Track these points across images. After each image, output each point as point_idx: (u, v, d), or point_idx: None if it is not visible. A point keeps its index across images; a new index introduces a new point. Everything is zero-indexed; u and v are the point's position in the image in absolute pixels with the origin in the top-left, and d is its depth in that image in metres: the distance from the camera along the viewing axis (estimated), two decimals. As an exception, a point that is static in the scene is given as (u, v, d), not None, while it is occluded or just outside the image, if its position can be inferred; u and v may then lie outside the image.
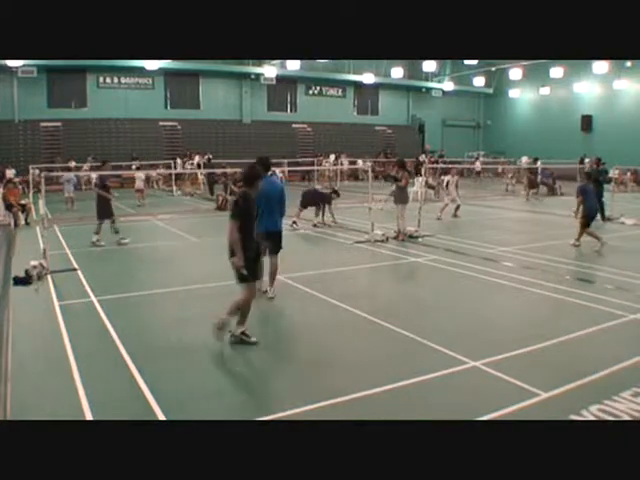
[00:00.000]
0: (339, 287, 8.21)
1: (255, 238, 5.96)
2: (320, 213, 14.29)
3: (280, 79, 34.75)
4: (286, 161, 29.48)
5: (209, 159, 28.64)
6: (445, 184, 17.14)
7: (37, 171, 19.87)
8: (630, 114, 32.86)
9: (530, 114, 40.31)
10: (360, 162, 33.01)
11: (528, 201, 21.29)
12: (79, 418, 4.17)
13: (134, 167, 26.17)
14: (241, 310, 5.79)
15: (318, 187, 20.86)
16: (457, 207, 16.47)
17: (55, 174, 20.26)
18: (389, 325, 6.45)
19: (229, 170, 19.39)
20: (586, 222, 11.54)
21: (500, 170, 32.16)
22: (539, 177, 25.05)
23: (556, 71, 33.18)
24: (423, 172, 18.66)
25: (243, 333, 5.82)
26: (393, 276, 9.58)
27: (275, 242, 7.38)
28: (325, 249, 11.89)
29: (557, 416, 4.18)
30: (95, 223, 12.16)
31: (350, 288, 8.27)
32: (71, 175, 20.24)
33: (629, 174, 26.83)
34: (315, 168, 27.69)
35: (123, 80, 32.01)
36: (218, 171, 21.10)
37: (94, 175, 26.55)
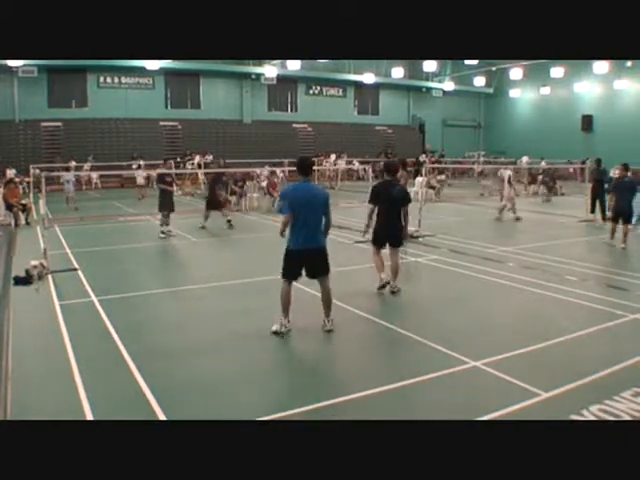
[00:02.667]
0: (339, 287, 8.17)
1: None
2: None
3: (280, 79, 34.75)
4: (287, 161, 29.50)
5: (219, 159, 28.24)
6: (507, 180, 15.65)
7: (38, 171, 19.92)
8: (631, 114, 32.85)
9: (530, 114, 40.30)
10: (356, 163, 33.00)
11: (548, 202, 20.89)
12: (79, 418, 4.18)
13: (134, 167, 26.20)
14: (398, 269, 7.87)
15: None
16: (503, 208, 15.67)
17: (56, 174, 20.31)
18: (389, 325, 6.45)
19: (230, 170, 19.40)
20: (614, 218, 11.79)
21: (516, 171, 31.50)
22: (540, 177, 25.04)
23: (556, 71, 33.18)
24: (423, 172, 18.65)
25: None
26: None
27: (320, 262, 6.16)
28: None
29: (557, 416, 4.18)
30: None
31: (350, 287, 8.27)
32: (70, 175, 20.38)
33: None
34: (315, 168, 27.68)
35: (123, 80, 32.00)
36: (221, 171, 21.08)
37: (94, 175, 26.86)
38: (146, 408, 4.39)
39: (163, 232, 12.82)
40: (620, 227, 11.56)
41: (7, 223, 14.61)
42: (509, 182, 15.58)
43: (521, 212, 18.55)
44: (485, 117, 44.72)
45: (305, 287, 7.33)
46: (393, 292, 7.76)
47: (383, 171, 8.32)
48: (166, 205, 13.03)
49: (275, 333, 6.07)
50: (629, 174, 12.30)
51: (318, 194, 6.17)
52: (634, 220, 12.13)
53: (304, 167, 6.21)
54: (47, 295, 7.84)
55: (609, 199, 12.13)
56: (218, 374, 5.24)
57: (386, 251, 8.02)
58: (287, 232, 6.08)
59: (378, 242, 7.93)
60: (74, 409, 4.35)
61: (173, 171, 14.44)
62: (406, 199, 7.81)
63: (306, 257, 6.05)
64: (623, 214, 11.51)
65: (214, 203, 14.10)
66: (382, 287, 7.81)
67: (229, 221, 14.22)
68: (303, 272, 6.15)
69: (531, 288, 8.13)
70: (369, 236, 8.20)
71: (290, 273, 6.10)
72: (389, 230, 7.78)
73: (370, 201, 7.80)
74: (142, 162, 26.91)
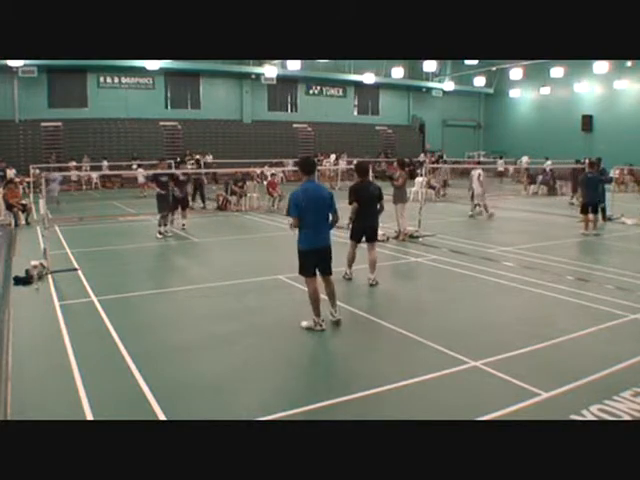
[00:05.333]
0: (339, 287, 8.19)
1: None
2: None
3: (281, 79, 34.71)
4: (286, 161, 29.51)
5: (197, 160, 26.58)
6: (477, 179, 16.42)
7: (38, 171, 19.92)
8: (630, 114, 32.83)
9: (530, 114, 40.28)
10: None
11: (573, 205, 19.53)
12: (79, 418, 4.18)
13: (134, 166, 26.22)
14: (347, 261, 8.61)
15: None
16: (476, 206, 16.52)
17: (56, 174, 20.27)
18: (389, 325, 6.45)
19: (223, 170, 19.38)
20: (583, 209, 13.24)
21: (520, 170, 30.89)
22: (540, 177, 25.03)
23: (556, 71, 33.14)
24: (423, 172, 18.63)
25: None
26: (393, 276, 9.59)
27: (328, 260, 6.43)
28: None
29: (557, 416, 4.18)
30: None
31: (350, 288, 8.27)
32: (56, 175, 20.31)
33: (624, 171, 26.34)
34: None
35: (124, 80, 31.97)
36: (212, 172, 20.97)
37: (94, 175, 26.87)
38: (146, 408, 4.38)
39: (160, 232, 12.81)
40: (591, 217, 13.08)
41: (7, 223, 14.63)
42: (479, 180, 16.41)
43: (521, 212, 18.64)
44: (485, 117, 44.68)
45: (304, 286, 7.31)
46: (372, 285, 8.31)
47: (356, 172, 8.82)
48: (161, 206, 12.99)
49: (308, 328, 6.27)
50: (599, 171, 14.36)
51: (325, 194, 6.36)
52: (607, 212, 13.68)
53: (308, 166, 6.44)
54: (47, 295, 7.83)
55: (579, 193, 14.17)
56: (218, 374, 5.24)
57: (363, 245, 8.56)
58: (296, 232, 6.33)
59: (356, 237, 8.45)
60: (74, 409, 4.34)
61: (169, 171, 14.32)
62: (381, 196, 8.39)
63: (317, 255, 6.30)
64: (591, 205, 13.03)
65: (181, 203, 13.74)
66: (349, 279, 8.53)
67: (183, 225, 14.09)
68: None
69: (531, 288, 8.13)
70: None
71: (309, 269, 6.33)
72: (367, 226, 8.35)
73: (351, 201, 8.26)
74: (136, 163, 26.85)
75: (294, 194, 6.27)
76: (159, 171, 14.09)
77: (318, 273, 6.41)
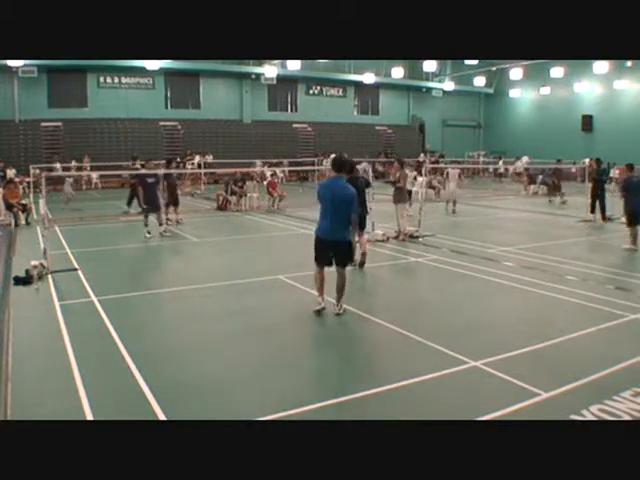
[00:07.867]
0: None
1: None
2: None
3: (281, 79, 34.71)
4: (287, 161, 29.49)
5: (142, 164, 22.49)
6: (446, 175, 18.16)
7: (37, 171, 19.89)
8: (630, 114, 32.81)
9: (530, 114, 40.27)
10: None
11: (563, 203, 20.04)
12: (79, 418, 4.18)
13: (137, 166, 26.18)
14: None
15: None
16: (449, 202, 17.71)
17: (56, 174, 20.29)
18: (389, 325, 6.45)
19: (223, 170, 19.33)
20: (630, 220, 11.38)
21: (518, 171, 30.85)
22: (540, 177, 25.02)
23: (556, 71, 33.14)
24: (423, 172, 18.61)
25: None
26: (393, 276, 9.59)
27: (340, 253, 6.72)
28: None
29: (557, 416, 4.18)
30: None
31: (350, 288, 8.27)
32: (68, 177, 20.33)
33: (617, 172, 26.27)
34: (315, 168, 27.67)
35: (124, 80, 31.94)
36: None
37: (94, 175, 26.85)
38: (146, 408, 4.38)
39: (149, 232, 12.69)
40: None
41: (7, 223, 14.63)
42: (459, 179, 17.92)
43: (521, 212, 18.64)
44: (485, 117, 44.65)
45: (310, 289, 7.35)
46: (353, 266, 8.92)
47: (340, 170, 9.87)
48: (144, 206, 13.06)
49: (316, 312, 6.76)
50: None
51: (346, 194, 6.64)
52: (608, 212, 12.00)
53: (335, 164, 7.02)
54: (47, 295, 7.83)
55: (624, 202, 11.74)
56: (218, 374, 5.23)
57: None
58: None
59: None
60: (74, 409, 4.34)
61: (162, 171, 14.39)
62: (368, 184, 10.04)
63: (328, 246, 6.71)
64: (636, 215, 11.19)
65: (155, 205, 13.25)
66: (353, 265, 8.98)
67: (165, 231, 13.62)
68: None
69: (531, 288, 8.13)
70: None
71: (319, 257, 6.83)
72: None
73: None
74: (139, 162, 26.78)
75: (320, 183, 6.94)
76: (163, 172, 14.17)
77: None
